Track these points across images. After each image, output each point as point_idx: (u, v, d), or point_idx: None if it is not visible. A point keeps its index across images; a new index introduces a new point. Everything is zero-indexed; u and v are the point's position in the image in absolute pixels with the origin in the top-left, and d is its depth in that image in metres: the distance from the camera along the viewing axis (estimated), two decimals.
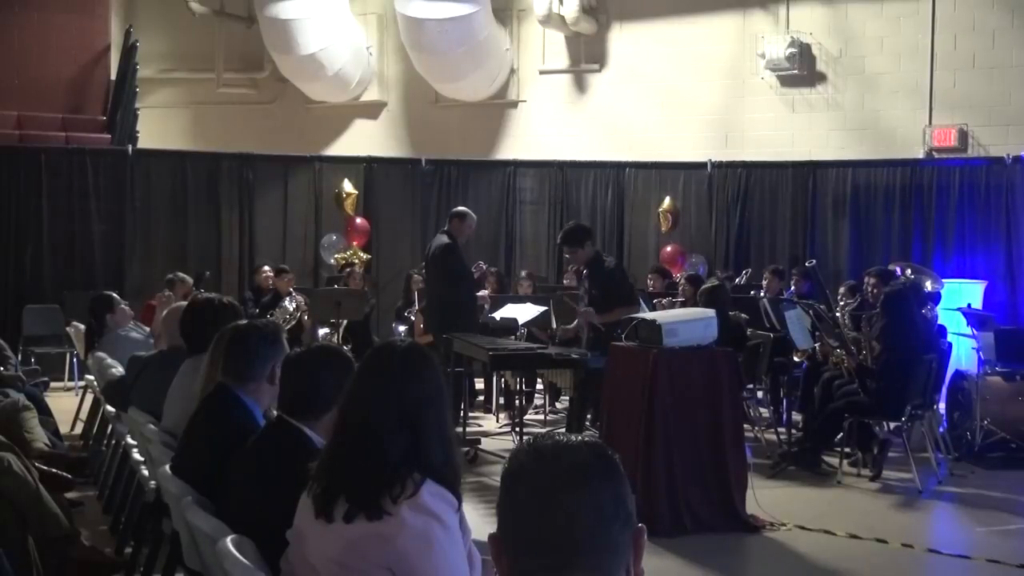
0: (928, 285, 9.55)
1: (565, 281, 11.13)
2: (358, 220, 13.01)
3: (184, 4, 14.33)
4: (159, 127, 14.71)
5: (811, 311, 8.38)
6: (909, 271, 9.78)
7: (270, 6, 13.39)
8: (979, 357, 8.40)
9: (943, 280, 10.41)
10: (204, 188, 12.90)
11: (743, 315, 8.58)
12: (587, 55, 14.03)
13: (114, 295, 7.83)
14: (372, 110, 15.11)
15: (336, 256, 12.81)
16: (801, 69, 12.74)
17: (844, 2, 12.80)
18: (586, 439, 1.57)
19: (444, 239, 8.72)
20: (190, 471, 3.24)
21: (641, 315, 6.91)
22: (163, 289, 9.49)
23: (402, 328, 10.91)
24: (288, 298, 10.75)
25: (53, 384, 10.30)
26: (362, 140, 14.66)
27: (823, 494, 7.03)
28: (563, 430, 6.79)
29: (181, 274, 9.96)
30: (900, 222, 12.00)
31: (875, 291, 8.42)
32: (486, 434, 8.87)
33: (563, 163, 13.33)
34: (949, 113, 12.21)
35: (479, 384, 10.37)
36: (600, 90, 14.05)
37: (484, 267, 10.82)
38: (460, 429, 8.12)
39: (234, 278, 12.75)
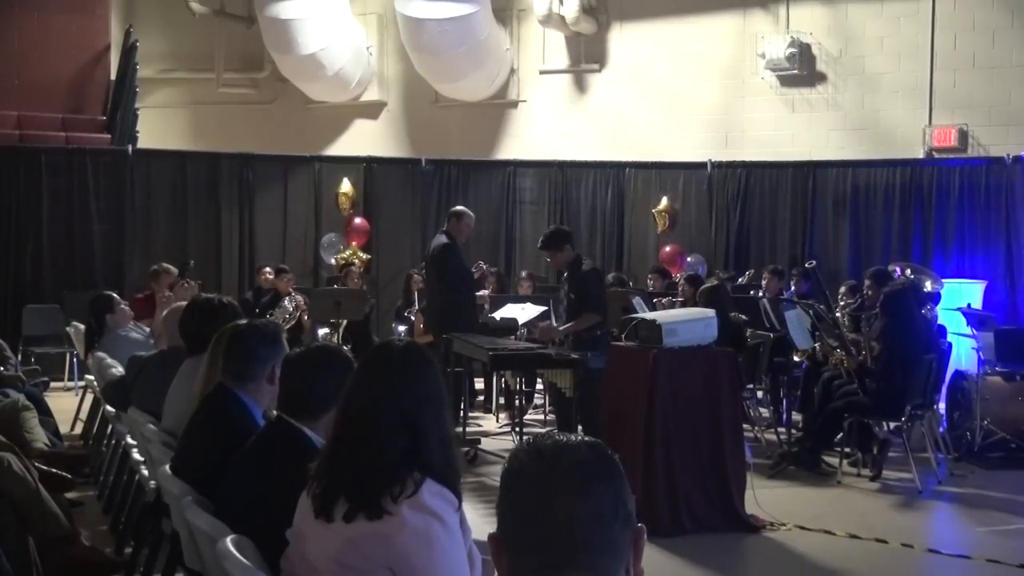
0: (928, 285, 9.56)
1: None
2: (358, 220, 13.02)
3: (184, 4, 14.34)
4: (159, 127, 14.72)
5: (811, 311, 8.38)
6: (909, 271, 9.78)
7: (270, 6, 13.39)
8: (979, 357, 8.40)
9: (943, 280, 10.42)
10: (204, 188, 12.90)
11: (742, 316, 8.57)
12: (587, 55, 14.03)
13: (114, 295, 7.82)
14: (372, 110, 15.11)
15: (336, 256, 12.82)
16: (801, 69, 12.74)
17: (844, 2, 12.80)
18: (586, 439, 1.57)
19: (443, 239, 8.72)
20: (190, 471, 3.24)
21: (641, 315, 6.92)
22: (163, 289, 9.51)
23: (402, 328, 10.92)
24: (288, 298, 10.76)
25: (53, 384, 10.30)
26: (362, 140, 14.66)
27: (823, 494, 7.03)
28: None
29: (166, 264, 10.03)
30: (900, 222, 12.00)
31: (871, 293, 8.42)
32: (486, 434, 8.87)
33: (563, 163, 13.33)
34: (949, 113, 12.21)
35: (479, 384, 10.37)
36: (600, 90, 14.05)
37: (484, 267, 10.82)
38: (460, 429, 8.12)
39: (234, 278, 12.75)
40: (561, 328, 7.69)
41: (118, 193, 12.42)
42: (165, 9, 15.03)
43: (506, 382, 9.62)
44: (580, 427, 7.47)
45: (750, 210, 12.70)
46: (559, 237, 7.75)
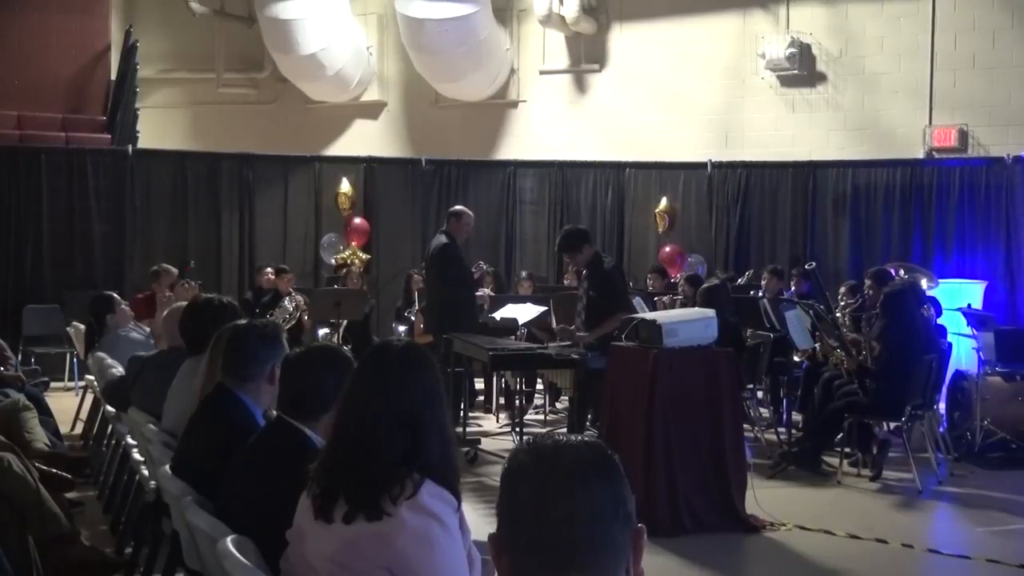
0: (923, 283, 9.54)
1: (565, 281, 11.14)
2: (358, 220, 13.02)
3: (184, 4, 14.33)
4: (159, 127, 14.72)
5: (811, 311, 8.38)
6: (903, 271, 9.76)
7: (270, 6, 13.39)
8: (979, 357, 8.40)
9: (944, 280, 10.43)
10: (204, 188, 12.90)
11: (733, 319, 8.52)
12: (587, 55, 14.03)
13: (114, 295, 7.82)
14: (372, 110, 15.11)
15: (336, 256, 12.82)
16: (801, 69, 12.74)
17: (844, 2, 12.79)
18: (586, 439, 1.57)
19: (443, 239, 8.71)
20: (190, 471, 3.24)
21: (641, 315, 6.91)
22: (164, 290, 9.54)
23: (402, 328, 10.92)
24: (288, 298, 10.77)
25: (53, 384, 10.30)
26: (362, 140, 14.66)
27: (823, 494, 7.03)
28: (563, 430, 6.82)
29: (166, 265, 10.07)
30: (900, 222, 11.99)
31: (872, 293, 8.41)
32: (486, 434, 8.87)
33: (563, 163, 13.33)
34: (949, 113, 12.21)
35: (479, 384, 10.36)
36: (600, 90, 14.05)
37: (484, 267, 10.83)
38: (460, 429, 8.12)
39: (234, 278, 12.76)
40: (592, 333, 7.38)
41: (118, 193, 12.42)
42: (165, 9, 15.03)
43: (506, 382, 9.62)
44: (588, 424, 7.48)
45: (750, 210, 12.70)
46: (577, 238, 7.58)
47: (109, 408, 6.14)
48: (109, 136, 13.40)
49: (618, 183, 13.19)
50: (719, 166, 12.82)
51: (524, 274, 11.51)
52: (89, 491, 6.44)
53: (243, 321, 3.66)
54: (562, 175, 13.29)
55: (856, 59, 12.72)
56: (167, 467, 3.39)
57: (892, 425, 7.60)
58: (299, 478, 2.48)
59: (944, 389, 8.39)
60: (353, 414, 2.43)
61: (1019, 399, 8.20)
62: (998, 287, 11.27)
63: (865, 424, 7.52)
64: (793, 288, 10.22)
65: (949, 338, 8.58)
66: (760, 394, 9.41)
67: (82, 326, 8.40)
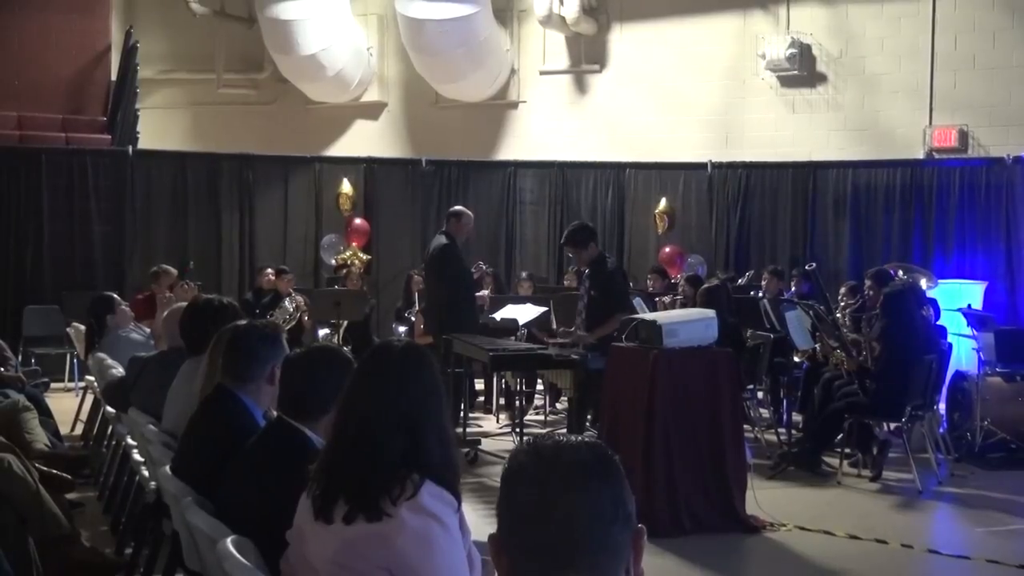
0: (923, 284, 9.55)
1: (565, 282, 11.14)
2: (358, 221, 13.03)
3: (184, 4, 14.35)
4: (159, 128, 14.72)
5: (811, 311, 8.38)
6: (901, 272, 9.76)
7: (270, 7, 13.40)
8: (979, 358, 8.40)
9: (944, 280, 10.42)
10: (204, 189, 12.91)
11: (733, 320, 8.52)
12: (587, 56, 14.04)
13: (114, 296, 7.81)
14: (372, 111, 15.12)
15: (336, 257, 12.83)
16: (801, 70, 12.74)
17: (844, 3, 12.80)
18: (586, 440, 1.57)
19: (443, 240, 8.71)
20: (190, 472, 3.23)
21: (641, 316, 6.91)
22: (164, 290, 9.54)
23: (402, 328, 10.92)
24: (288, 298, 10.77)
25: (53, 385, 10.30)
26: (362, 141, 14.67)
27: (823, 495, 7.03)
28: (563, 431, 6.81)
29: (165, 266, 10.07)
30: (900, 222, 12.00)
31: (872, 294, 8.42)
32: (486, 435, 8.87)
33: (563, 164, 13.34)
34: (949, 113, 12.21)
35: (479, 385, 10.36)
36: (600, 91, 14.05)
37: (483, 267, 10.82)
38: (460, 430, 8.12)
39: (234, 279, 12.76)
40: (593, 334, 7.38)
41: (118, 194, 12.43)
42: (165, 10, 15.04)
43: (506, 383, 9.62)
44: (588, 424, 7.48)
45: (750, 211, 12.71)
46: (584, 234, 7.57)
47: (109, 409, 6.14)
48: (109, 137, 13.40)
49: (618, 183, 13.20)
50: (719, 166, 12.83)
51: (524, 275, 11.50)
52: (89, 492, 6.44)
53: (243, 322, 3.66)
54: (562, 175, 13.29)
55: (856, 59, 12.73)
56: (167, 468, 3.39)
57: (892, 425, 7.60)
58: (299, 479, 2.48)
59: (944, 390, 8.39)
60: (353, 414, 2.43)
61: (1019, 399, 8.20)
62: (998, 287, 11.28)
63: (865, 424, 7.52)
64: (793, 288, 10.22)
65: (949, 338, 8.58)
66: (760, 394, 9.41)
67: (82, 327, 8.38)
